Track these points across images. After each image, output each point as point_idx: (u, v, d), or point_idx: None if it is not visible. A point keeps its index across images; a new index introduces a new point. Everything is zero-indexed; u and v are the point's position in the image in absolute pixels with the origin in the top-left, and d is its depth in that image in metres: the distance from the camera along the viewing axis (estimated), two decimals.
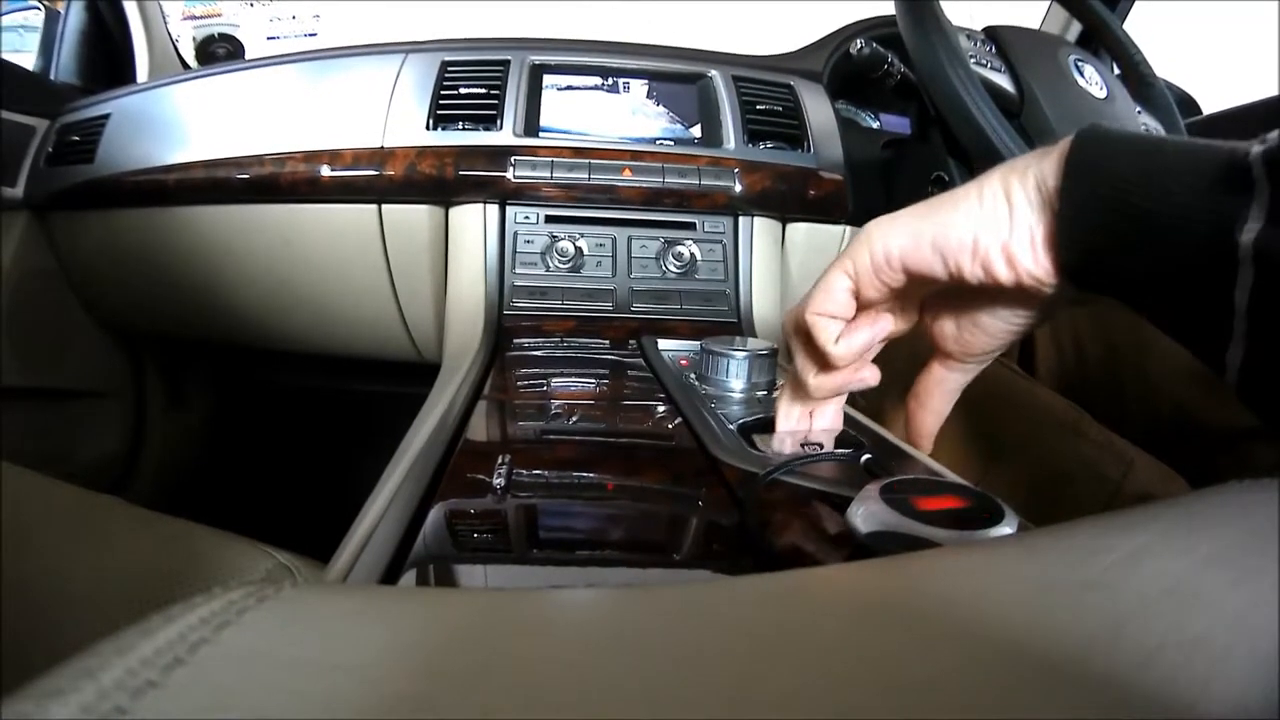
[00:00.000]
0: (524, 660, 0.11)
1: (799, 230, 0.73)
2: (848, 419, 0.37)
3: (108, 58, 0.96)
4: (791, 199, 0.70)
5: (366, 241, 0.70)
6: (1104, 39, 0.70)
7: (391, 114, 0.68)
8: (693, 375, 0.48)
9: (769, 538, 0.26)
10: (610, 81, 0.74)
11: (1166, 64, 0.69)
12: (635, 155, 0.68)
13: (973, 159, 0.53)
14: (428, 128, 0.67)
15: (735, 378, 0.44)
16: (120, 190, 0.72)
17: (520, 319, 0.63)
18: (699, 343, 0.47)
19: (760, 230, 0.69)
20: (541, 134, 0.70)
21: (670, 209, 0.68)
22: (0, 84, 0.76)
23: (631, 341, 0.61)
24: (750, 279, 0.68)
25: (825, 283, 0.29)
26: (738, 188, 0.67)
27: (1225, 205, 0.19)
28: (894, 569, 0.15)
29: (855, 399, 0.42)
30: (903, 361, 0.36)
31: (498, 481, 0.30)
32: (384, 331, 0.78)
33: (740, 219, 0.69)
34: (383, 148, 0.67)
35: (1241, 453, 0.48)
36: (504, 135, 0.67)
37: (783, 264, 0.73)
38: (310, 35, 1.65)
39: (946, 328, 0.30)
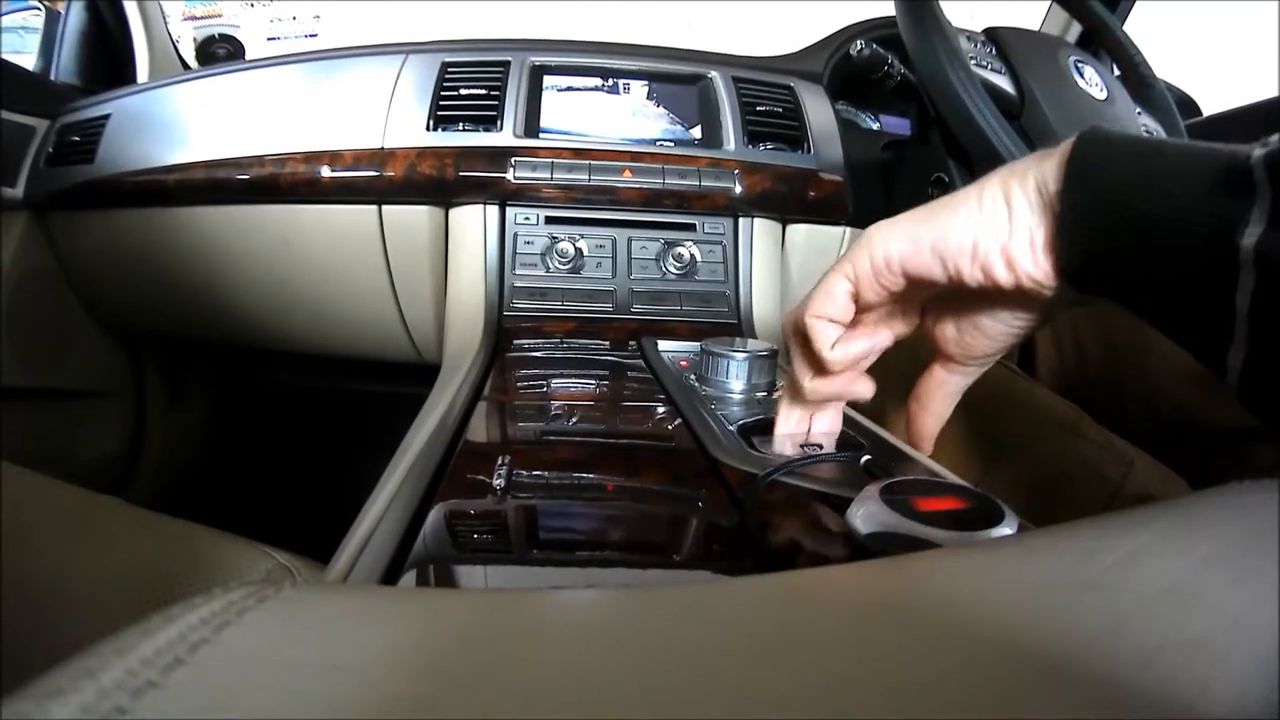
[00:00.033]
0: (524, 661, 0.11)
1: (799, 231, 0.73)
2: (848, 420, 0.37)
3: (108, 58, 0.96)
4: (791, 200, 0.70)
5: (366, 242, 0.70)
6: (1104, 40, 0.70)
7: (392, 115, 0.68)
8: (693, 376, 0.48)
9: (769, 538, 0.26)
10: (610, 82, 0.75)
11: (1166, 64, 0.70)
12: (635, 156, 0.68)
13: (973, 160, 0.53)
14: (428, 128, 0.67)
15: (735, 379, 0.44)
16: (120, 190, 0.72)
17: (520, 320, 0.63)
18: (699, 344, 0.47)
19: (760, 231, 0.69)
20: (541, 135, 0.70)
21: (670, 210, 0.68)
22: (0, 84, 0.76)
23: (631, 342, 0.61)
24: (750, 280, 0.68)
25: (825, 285, 0.29)
26: (738, 189, 0.67)
27: (1226, 208, 0.19)
28: (894, 569, 0.15)
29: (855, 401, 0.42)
30: (904, 364, 0.36)
31: (498, 482, 0.30)
32: (384, 332, 0.78)
33: (740, 220, 0.69)
34: (383, 148, 0.67)
35: (1241, 453, 0.48)
36: (504, 136, 0.67)
37: (783, 265, 0.73)
38: (311, 36, 1.65)
39: (948, 331, 0.30)
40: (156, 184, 0.71)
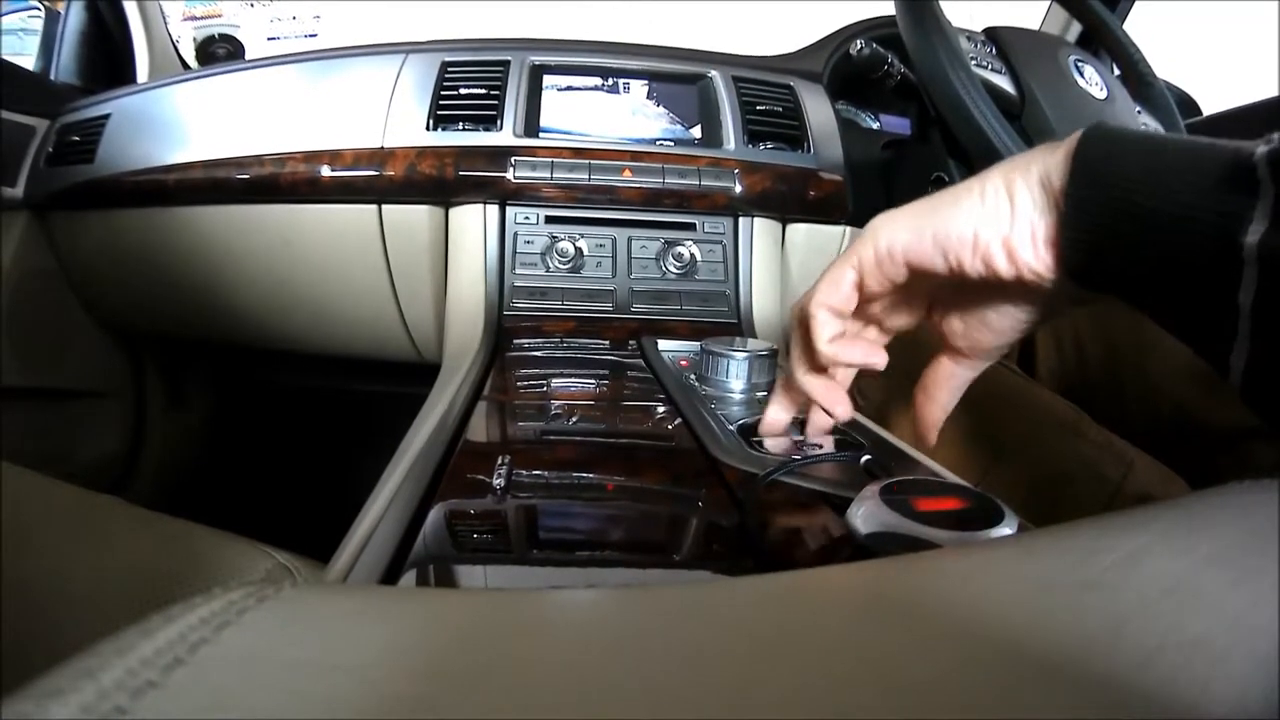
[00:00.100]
0: (524, 661, 0.11)
1: (799, 231, 0.73)
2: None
3: (108, 58, 0.96)
4: (791, 200, 0.70)
5: (366, 242, 0.70)
6: (1104, 39, 0.70)
7: (391, 114, 0.68)
8: (693, 376, 0.48)
9: (769, 538, 0.26)
10: (610, 82, 0.74)
11: (1166, 64, 0.69)
12: (635, 156, 0.68)
13: (973, 160, 0.53)
14: (428, 128, 0.67)
15: (735, 378, 0.44)
16: (120, 190, 0.72)
17: (520, 319, 0.63)
18: (699, 343, 0.47)
19: (760, 231, 0.69)
20: (541, 134, 0.70)
21: (670, 209, 0.68)
22: (0, 84, 0.76)
23: (631, 342, 0.61)
24: (750, 280, 0.68)
25: (831, 274, 0.30)
26: (738, 188, 0.67)
27: (1230, 206, 0.19)
28: (894, 569, 0.15)
29: (857, 400, 0.42)
30: (905, 362, 0.36)
31: (498, 482, 0.30)
32: (384, 332, 0.78)
33: (740, 219, 0.69)
34: (383, 148, 0.67)
35: (1241, 453, 0.48)
36: (504, 136, 0.67)
37: (783, 265, 0.73)
38: (311, 36, 1.65)
39: (954, 324, 0.30)
40: (156, 184, 0.70)
